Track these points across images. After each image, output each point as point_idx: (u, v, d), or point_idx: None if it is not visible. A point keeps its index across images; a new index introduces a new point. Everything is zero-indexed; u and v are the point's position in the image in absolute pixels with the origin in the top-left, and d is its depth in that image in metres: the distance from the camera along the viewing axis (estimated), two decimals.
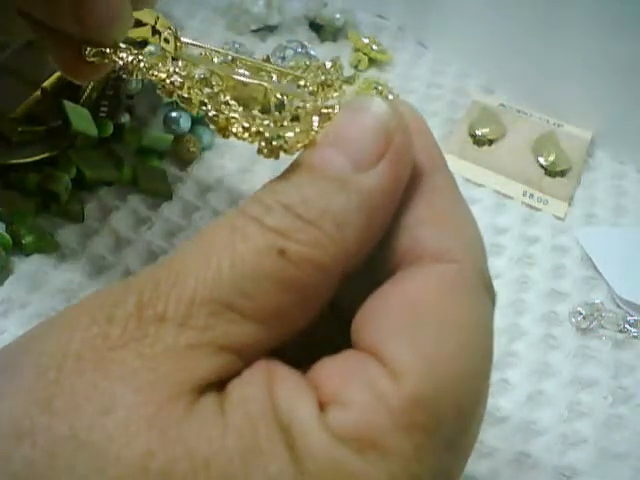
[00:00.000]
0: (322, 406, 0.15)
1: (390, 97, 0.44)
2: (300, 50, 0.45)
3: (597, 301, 0.36)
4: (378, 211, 0.16)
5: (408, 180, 0.17)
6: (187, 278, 0.16)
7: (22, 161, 0.35)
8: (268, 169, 0.40)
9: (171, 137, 0.39)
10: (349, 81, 0.46)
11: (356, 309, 0.17)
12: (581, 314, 0.35)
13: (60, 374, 0.15)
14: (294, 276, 0.16)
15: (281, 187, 0.17)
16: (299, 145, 0.17)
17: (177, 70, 0.20)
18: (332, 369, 0.16)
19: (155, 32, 0.24)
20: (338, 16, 0.48)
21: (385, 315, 0.16)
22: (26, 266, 0.34)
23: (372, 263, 0.18)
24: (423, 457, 0.15)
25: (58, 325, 0.16)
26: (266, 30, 0.48)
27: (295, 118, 0.18)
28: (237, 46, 0.45)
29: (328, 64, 0.23)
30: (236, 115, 0.18)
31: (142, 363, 0.15)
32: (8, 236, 0.34)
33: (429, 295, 0.16)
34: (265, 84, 0.20)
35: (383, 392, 0.15)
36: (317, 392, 0.15)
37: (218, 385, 0.16)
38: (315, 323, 0.17)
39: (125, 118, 0.39)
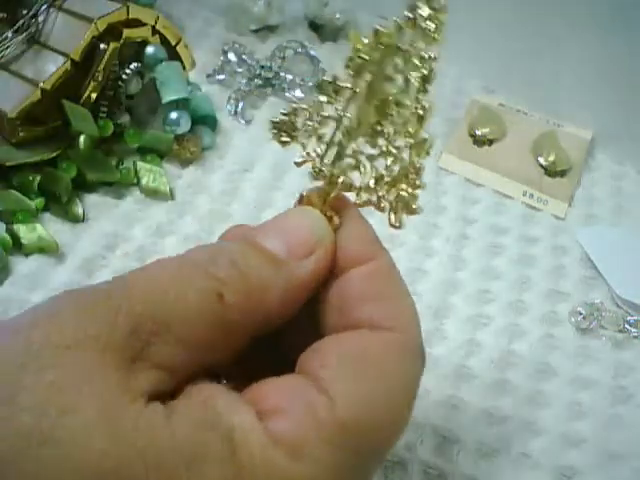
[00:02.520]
0: (261, 416, 0.18)
1: None
2: (300, 50, 0.45)
3: (597, 301, 0.36)
4: (298, 291, 0.21)
5: (357, 265, 0.22)
6: (137, 296, 0.18)
7: (22, 161, 0.35)
8: (268, 169, 0.40)
9: (171, 137, 0.39)
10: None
11: (299, 353, 0.21)
12: (581, 314, 0.35)
13: (22, 372, 0.16)
14: (224, 316, 0.19)
15: (228, 249, 0.20)
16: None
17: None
18: (274, 387, 0.19)
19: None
20: (338, 16, 0.48)
21: (334, 354, 0.20)
22: (26, 266, 0.34)
23: (320, 324, 0.22)
24: (342, 472, 0.18)
25: (15, 326, 0.18)
26: (266, 30, 0.48)
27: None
28: (237, 46, 0.45)
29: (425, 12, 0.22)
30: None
31: (97, 366, 0.17)
32: (8, 236, 0.34)
33: (374, 351, 0.20)
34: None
35: (318, 411, 0.18)
36: (256, 405, 0.18)
37: (157, 399, 0.18)
38: (258, 359, 0.21)
39: (125, 118, 0.39)
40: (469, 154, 0.43)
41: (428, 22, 0.22)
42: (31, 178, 0.35)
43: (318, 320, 0.22)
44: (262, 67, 0.45)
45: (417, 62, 0.22)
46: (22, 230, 0.34)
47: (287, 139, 0.24)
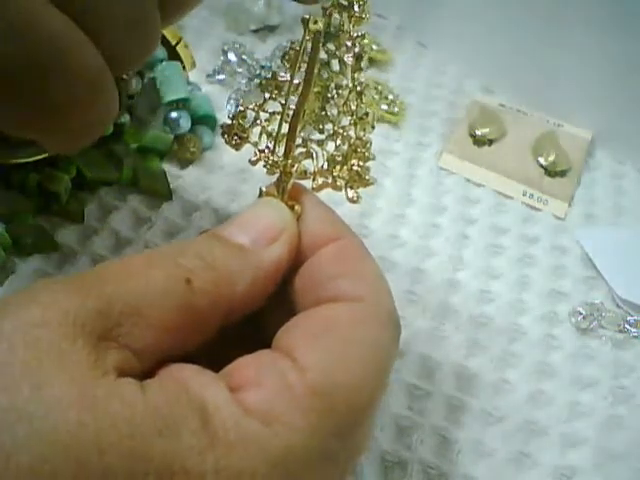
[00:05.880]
0: (234, 389, 0.18)
1: (390, 97, 0.44)
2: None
3: (597, 301, 0.36)
4: (266, 277, 0.21)
5: (322, 245, 0.22)
6: (107, 283, 0.19)
7: (22, 161, 0.35)
8: None
9: (171, 137, 0.39)
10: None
11: (274, 335, 0.21)
12: (581, 314, 0.35)
13: None
14: (193, 301, 0.20)
15: (194, 243, 0.21)
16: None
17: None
18: (245, 363, 0.20)
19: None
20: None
21: (303, 327, 0.21)
22: (26, 266, 0.34)
23: (294, 307, 0.22)
24: (315, 435, 0.18)
25: None
26: (266, 30, 0.48)
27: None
28: (237, 46, 0.45)
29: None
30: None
31: (66, 342, 0.17)
32: (8, 236, 0.34)
33: (341, 319, 0.20)
34: None
35: (289, 379, 0.19)
36: (228, 381, 0.19)
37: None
38: (234, 344, 0.22)
39: (125, 118, 0.39)
40: (469, 154, 0.43)
41: (353, 4, 0.23)
42: (31, 178, 0.35)
43: (292, 306, 0.22)
44: (262, 67, 0.45)
45: (348, 43, 0.23)
46: (22, 230, 0.34)
47: (238, 141, 0.25)
